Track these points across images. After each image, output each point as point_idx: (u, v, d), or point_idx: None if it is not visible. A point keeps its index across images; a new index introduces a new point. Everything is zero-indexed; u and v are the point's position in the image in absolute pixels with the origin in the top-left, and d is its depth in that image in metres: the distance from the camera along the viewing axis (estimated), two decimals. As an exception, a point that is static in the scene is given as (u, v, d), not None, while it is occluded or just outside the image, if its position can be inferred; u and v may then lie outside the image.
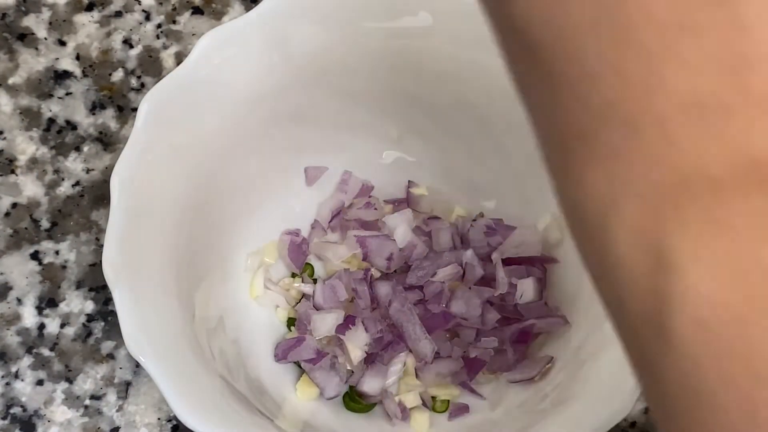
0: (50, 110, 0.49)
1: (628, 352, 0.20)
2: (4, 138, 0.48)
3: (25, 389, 0.44)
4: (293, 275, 0.45)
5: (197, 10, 0.52)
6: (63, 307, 0.46)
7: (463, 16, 0.41)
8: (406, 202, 0.46)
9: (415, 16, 0.42)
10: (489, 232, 0.44)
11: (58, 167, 0.48)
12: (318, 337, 0.43)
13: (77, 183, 0.48)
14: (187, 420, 0.36)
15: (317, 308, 0.43)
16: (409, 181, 0.47)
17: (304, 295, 0.44)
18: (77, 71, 0.50)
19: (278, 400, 0.42)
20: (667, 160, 0.18)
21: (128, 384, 0.44)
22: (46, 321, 0.45)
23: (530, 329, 0.43)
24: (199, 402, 0.36)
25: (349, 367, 0.43)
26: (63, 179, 0.48)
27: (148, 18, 0.51)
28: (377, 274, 0.44)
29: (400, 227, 0.44)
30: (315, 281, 0.45)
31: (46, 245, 0.47)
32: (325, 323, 0.42)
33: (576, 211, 0.20)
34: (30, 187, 0.48)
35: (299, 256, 0.45)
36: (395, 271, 0.44)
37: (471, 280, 0.43)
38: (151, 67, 0.50)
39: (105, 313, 0.45)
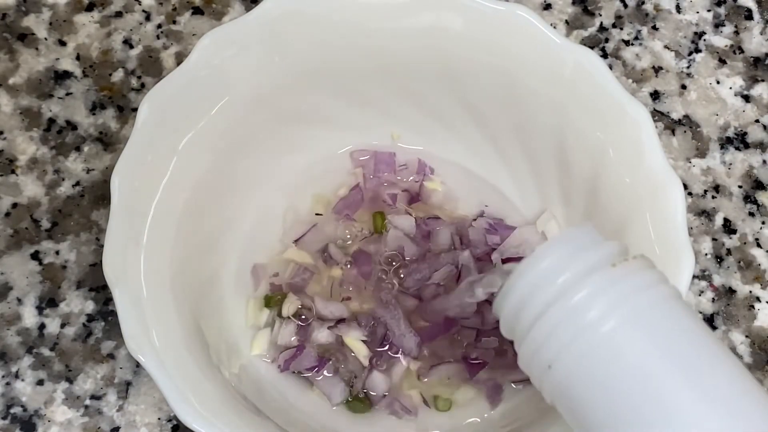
0: (50, 110, 0.49)
1: None
2: (5, 138, 0.49)
3: (25, 389, 0.44)
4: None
5: (197, 10, 0.52)
6: (63, 307, 0.46)
7: (464, 16, 0.41)
8: (418, 195, 0.46)
9: (416, 16, 0.42)
10: (489, 232, 0.44)
11: (58, 167, 0.48)
12: (318, 343, 0.43)
13: (77, 183, 0.48)
14: (187, 420, 0.36)
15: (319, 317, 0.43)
16: (425, 173, 0.47)
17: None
18: (77, 71, 0.50)
19: (284, 406, 0.42)
20: None
21: (128, 384, 0.44)
22: (47, 321, 0.45)
23: None
24: (199, 402, 0.36)
25: (351, 368, 0.43)
26: (63, 179, 0.48)
27: (148, 18, 0.51)
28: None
29: (394, 231, 0.44)
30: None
31: (47, 245, 0.47)
32: (322, 330, 0.43)
33: None
34: (30, 187, 0.48)
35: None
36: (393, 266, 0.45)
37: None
38: (151, 67, 0.50)
39: (105, 313, 0.46)
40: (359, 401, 0.43)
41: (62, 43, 0.51)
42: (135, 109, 0.49)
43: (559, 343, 0.30)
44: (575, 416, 0.31)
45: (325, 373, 0.43)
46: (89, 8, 0.51)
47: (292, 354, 0.43)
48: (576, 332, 0.30)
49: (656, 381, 0.29)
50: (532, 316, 0.32)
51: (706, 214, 0.48)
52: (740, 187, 0.49)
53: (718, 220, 0.48)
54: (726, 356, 0.30)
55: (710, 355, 0.30)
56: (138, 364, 0.44)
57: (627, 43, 0.52)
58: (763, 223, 0.48)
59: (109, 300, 0.46)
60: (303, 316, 0.43)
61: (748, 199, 0.49)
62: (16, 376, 0.44)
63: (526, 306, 0.32)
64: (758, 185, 0.49)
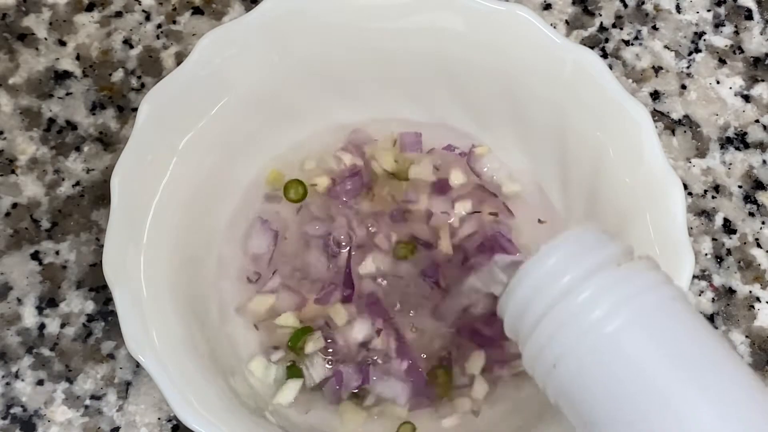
0: (50, 110, 0.49)
1: None
2: (5, 138, 0.49)
3: (25, 389, 0.44)
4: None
5: (197, 10, 0.52)
6: (63, 307, 0.46)
7: (464, 16, 0.41)
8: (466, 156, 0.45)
9: (416, 16, 0.42)
10: (480, 250, 0.44)
11: (58, 167, 0.48)
12: (357, 342, 0.42)
13: (77, 183, 0.48)
14: (187, 420, 0.36)
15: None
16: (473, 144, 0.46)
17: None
18: (77, 71, 0.50)
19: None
20: None
21: (128, 384, 0.44)
22: (47, 321, 0.45)
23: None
24: (199, 402, 0.36)
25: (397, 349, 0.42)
26: (63, 179, 0.48)
27: (148, 18, 0.51)
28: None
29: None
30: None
31: (47, 245, 0.47)
32: (360, 325, 0.42)
33: None
34: (30, 187, 0.48)
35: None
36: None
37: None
38: (151, 67, 0.50)
39: (105, 313, 0.46)
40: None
41: (62, 43, 0.51)
42: (135, 109, 0.49)
43: (564, 342, 0.31)
44: (579, 415, 0.31)
45: (376, 377, 0.41)
46: (89, 8, 0.51)
47: (334, 384, 0.41)
48: (581, 331, 0.30)
49: (660, 380, 0.29)
50: (536, 315, 0.32)
51: (706, 214, 0.48)
52: (740, 187, 0.49)
53: (718, 220, 0.48)
54: (730, 356, 0.30)
55: (715, 354, 0.30)
56: (138, 364, 0.44)
57: (627, 43, 0.52)
58: (763, 223, 0.48)
59: (109, 300, 0.46)
60: (329, 340, 0.42)
61: (748, 199, 0.49)
62: (16, 376, 0.44)
63: (531, 305, 0.32)
64: (758, 185, 0.49)
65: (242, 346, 0.43)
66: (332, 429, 0.41)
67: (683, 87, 0.51)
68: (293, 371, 0.42)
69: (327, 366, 0.42)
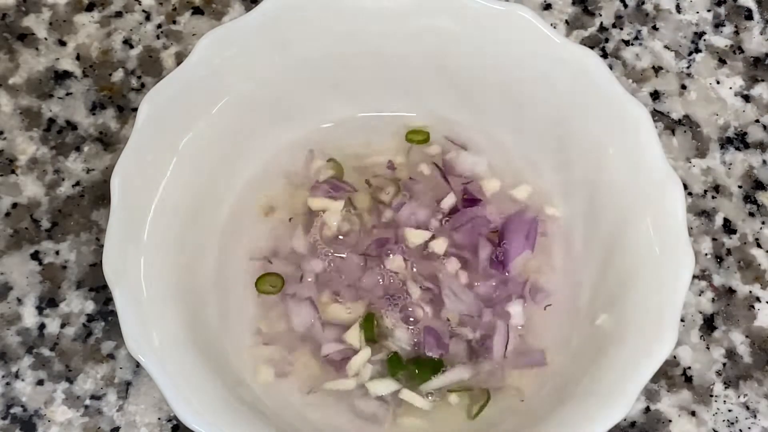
0: (50, 110, 0.49)
1: None
2: (5, 138, 0.49)
3: (25, 389, 0.44)
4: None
5: (197, 10, 0.52)
6: (63, 307, 0.46)
7: (464, 17, 0.41)
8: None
9: (416, 17, 0.42)
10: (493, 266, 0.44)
11: (58, 167, 0.48)
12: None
13: (77, 183, 0.48)
14: (187, 420, 0.36)
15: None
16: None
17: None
18: (77, 71, 0.50)
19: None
20: None
21: (128, 384, 0.44)
22: (47, 321, 0.45)
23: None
24: (199, 402, 0.36)
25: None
26: (63, 179, 0.48)
27: (148, 18, 0.51)
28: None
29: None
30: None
31: (47, 245, 0.47)
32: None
33: None
34: (30, 187, 0.48)
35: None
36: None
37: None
38: (151, 67, 0.50)
39: (105, 313, 0.46)
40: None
41: (62, 43, 0.51)
42: (135, 109, 0.49)
43: None
44: None
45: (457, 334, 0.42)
46: (89, 8, 0.51)
47: (431, 340, 0.42)
48: None
49: None
50: None
51: (706, 214, 0.48)
52: (740, 187, 0.49)
53: (718, 220, 0.48)
54: None
55: None
56: (138, 364, 0.44)
57: (627, 43, 0.52)
58: (763, 223, 0.48)
59: (109, 300, 0.46)
60: (410, 310, 0.43)
61: (748, 199, 0.49)
62: (16, 376, 0.44)
63: None
64: (758, 185, 0.49)
65: (242, 345, 0.43)
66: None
67: (683, 87, 0.51)
68: (395, 363, 0.42)
69: (411, 336, 0.42)
